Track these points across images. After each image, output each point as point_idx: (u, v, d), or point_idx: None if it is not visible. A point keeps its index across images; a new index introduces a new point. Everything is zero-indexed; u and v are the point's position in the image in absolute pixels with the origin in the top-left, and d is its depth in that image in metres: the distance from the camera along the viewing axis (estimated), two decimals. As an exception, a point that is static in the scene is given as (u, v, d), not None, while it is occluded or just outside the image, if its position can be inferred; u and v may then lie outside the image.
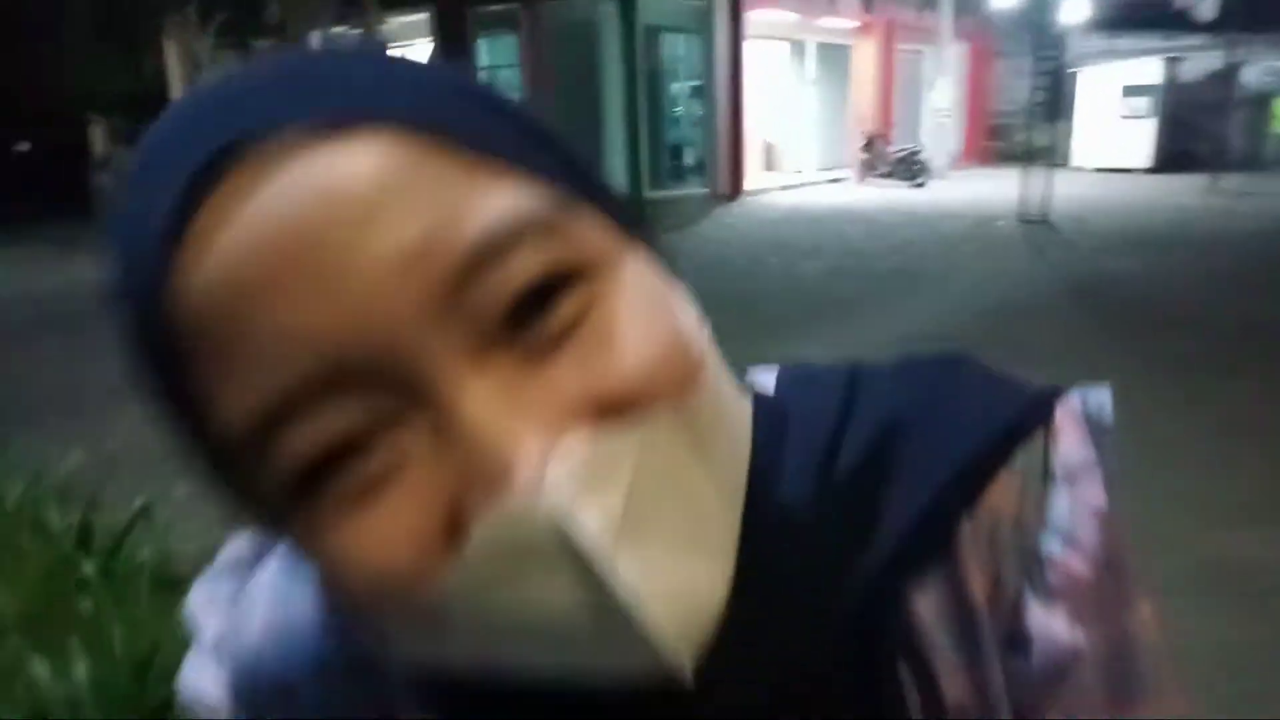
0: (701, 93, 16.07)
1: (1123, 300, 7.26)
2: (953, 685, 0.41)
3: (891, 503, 0.41)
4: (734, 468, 0.36)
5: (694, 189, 15.66)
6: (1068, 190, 12.91)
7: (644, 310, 0.33)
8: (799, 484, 0.41)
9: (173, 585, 2.77)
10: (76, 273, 10.01)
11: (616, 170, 14.32)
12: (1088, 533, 0.41)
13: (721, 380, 0.36)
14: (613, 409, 0.31)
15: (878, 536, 0.40)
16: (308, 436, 0.30)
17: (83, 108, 15.46)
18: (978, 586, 0.41)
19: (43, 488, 3.32)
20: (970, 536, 0.41)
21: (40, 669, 2.20)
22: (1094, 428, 0.42)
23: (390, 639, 0.34)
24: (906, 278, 8.40)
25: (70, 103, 15.45)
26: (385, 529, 0.31)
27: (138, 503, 3.04)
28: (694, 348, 0.34)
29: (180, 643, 1.96)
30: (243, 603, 0.47)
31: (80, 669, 2.19)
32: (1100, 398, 0.43)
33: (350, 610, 0.35)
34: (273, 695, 0.45)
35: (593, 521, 0.30)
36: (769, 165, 18.73)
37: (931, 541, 0.41)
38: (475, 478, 0.30)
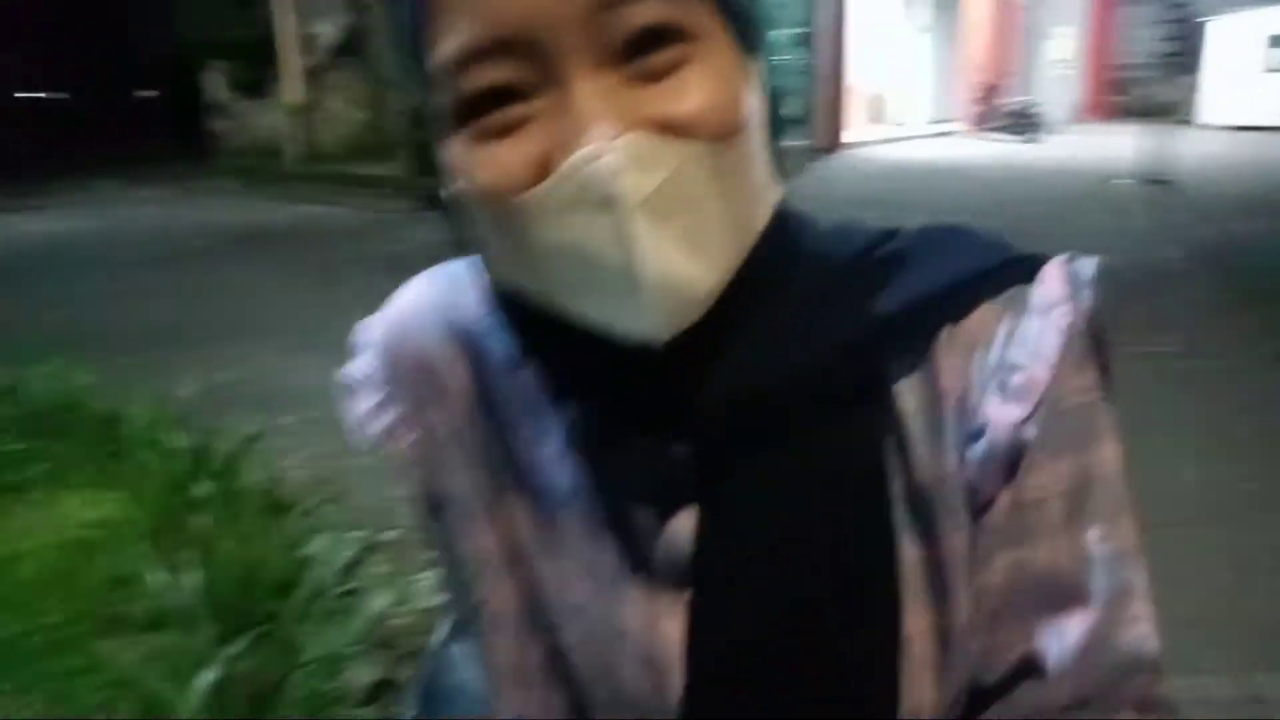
0: (804, 41, 15.65)
1: (1254, 268, 6.81)
2: (922, 469, 0.50)
3: (885, 298, 0.50)
4: (743, 214, 0.48)
5: (793, 141, 15.33)
6: (1195, 149, 12.15)
7: (716, 79, 0.46)
8: (810, 265, 0.52)
9: (278, 508, 2.92)
10: (192, 214, 10.49)
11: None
12: (1051, 345, 0.49)
13: (756, 153, 0.49)
14: (670, 131, 0.44)
15: (867, 319, 0.50)
16: (482, 76, 0.44)
17: (200, 56, 16.01)
18: (950, 391, 0.50)
19: (163, 413, 3.51)
20: (949, 348, 0.50)
21: (158, 577, 2.36)
22: (1076, 281, 0.50)
23: (489, 251, 0.50)
24: (1014, 239, 8.05)
25: (189, 51, 16.03)
26: (505, 156, 0.45)
27: (249, 430, 3.20)
28: (742, 118, 0.47)
29: (284, 560, 2.07)
30: (390, 303, 0.63)
31: (193, 578, 2.33)
32: (1087, 264, 0.51)
33: (472, 221, 0.49)
34: (414, 364, 0.60)
35: (630, 186, 0.43)
36: (873, 117, 18.17)
37: (914, 335, 0.50)
38: (568, 139, 0.43)
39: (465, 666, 0.74)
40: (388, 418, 0.61)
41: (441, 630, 1.18)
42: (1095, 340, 0.50)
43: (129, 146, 15.64)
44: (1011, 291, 0.50)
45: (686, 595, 0.51)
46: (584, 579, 0.55)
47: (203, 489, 2.88)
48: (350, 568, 2.59)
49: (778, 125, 0.52)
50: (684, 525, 0.51)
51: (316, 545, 2.60)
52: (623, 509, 0.53)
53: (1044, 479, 0.49)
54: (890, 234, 0.55)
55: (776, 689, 0.50)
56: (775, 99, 0.52)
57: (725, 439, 0.50)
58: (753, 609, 0.50)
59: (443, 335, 0.59)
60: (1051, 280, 0.50)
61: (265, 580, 2.41)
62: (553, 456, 0.55)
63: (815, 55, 15.63)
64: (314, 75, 14.96)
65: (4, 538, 2.82)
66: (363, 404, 0.62)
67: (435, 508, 0.61)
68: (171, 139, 16.92)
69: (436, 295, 0.61)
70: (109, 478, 3.17)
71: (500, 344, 0.57)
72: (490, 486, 0.58)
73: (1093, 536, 0.49)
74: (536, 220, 0.45)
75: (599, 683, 0.56)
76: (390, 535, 2.83)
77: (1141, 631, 0.49)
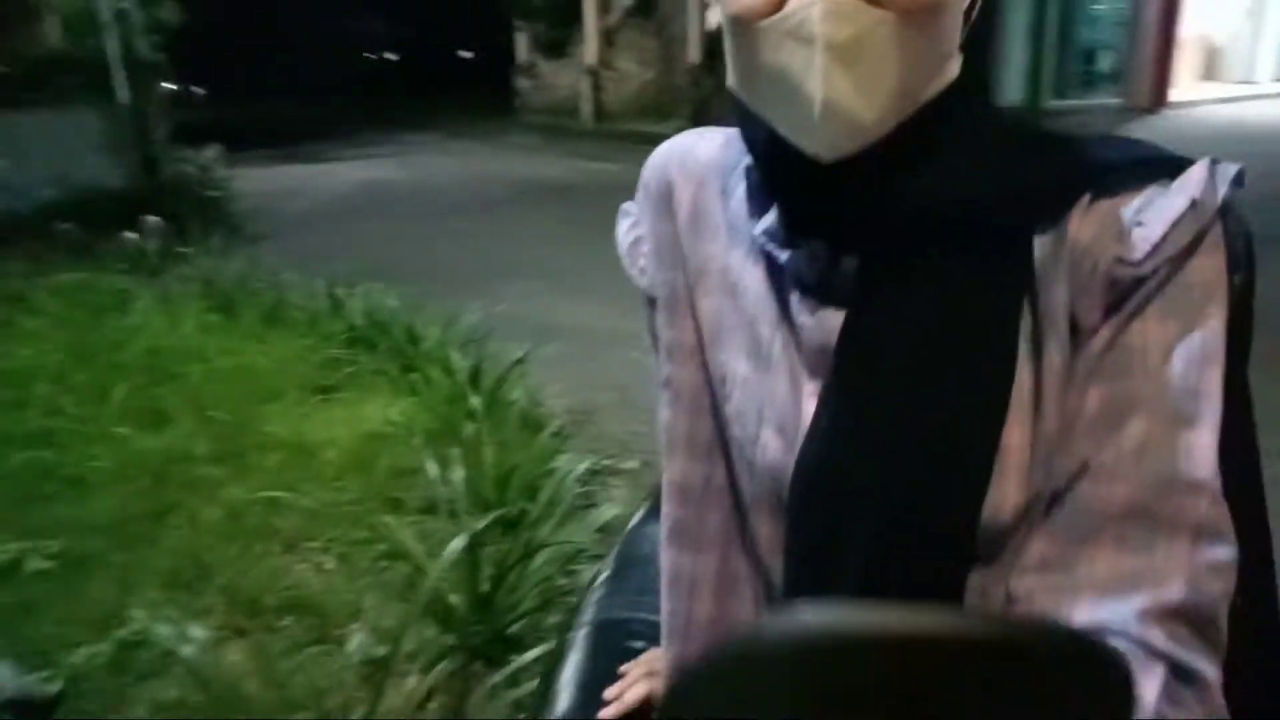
0: (1128, -12, 14.10)
1: None
2: (1044, 308, 0.58)
3: (1040, 163, 0.60)
4: (916, 77, 0.57)
5: (1106, 99, 13.95)
6: None
7: None
8: (981, 129, 0.61)
9: (534, 425, 3.25)
10: (492, 166, 11.46)
11: (1014, 74, 13.19)
12: (1174, 210, 0.56)
13: (942, 34, 0.57)
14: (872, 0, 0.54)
15: (1021, 175, 0.59)
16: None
17: (512, 18, 17.25)
18: (1077, 246, 0.58)
19: (449, 335, 3.99)
20: (1086, 216, 0.58)
21: (432, 470, 2.74)
22: (1216, 176, 0.57)
23: (731, 69, 0.62)
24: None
25: (503, 14, 17.32)
26: None
27: (516, 355, 3.56)
28: (930, 4, 0.55)
29: (534, 469, 2.36)
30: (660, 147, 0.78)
31: (459, 474, 2.69)
32: (1230, 167, 0.57)
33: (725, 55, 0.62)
34: (658, 190, 0.76)
35: (828, 31, 0.54)
36: (1208, 73, 16.08)
37: (1058, 197, 0.58)
38: None
39: (654, 543, 0.89)
40: (634, 234, 0.80)
41: (639, 514, 1.36)
42: (1231, 235, 0.57)
43: (447, 103, 17.23)
44: (1159, 182, 0.58)
45: (825, 381, 0.63)
46: (749, 360, 0.69)
47: (475, 402, 3.27)
48: (589, 484, 2.86)
49: (989, 26, 0.62)
50: (836, 323, 0.63)
51: (562, 461, 2.89)
52: (791, 304, 0.66)
53: (1149, 329, 0.56)
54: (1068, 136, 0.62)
55: (879, 473, 0.60)
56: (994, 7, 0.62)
57: (884, 253, 0.61)
58: (875, 402, 0.61)
59: (682, 167, 0.75)
60: (1193, 172, 0.57)
61: (516, 484, 2.72)
62: (743, 259, 0.70)
63: (1141, 2, 14.03)
64: (608, 36, 15.66)
65: (318, 428, 3.37)
66: (623, 227, 0.81)
67: (651, 303, 0.78)
68: (484, 97, 18.43)
69: (689, 140, 0.77)
70: (403, 386, 3.67)
71: (720, 176, 0.73)
72: (689, 286, 0.74)
73: (1178, 378, 0.56)
74: (762, 43, 0.57)
75: (746, 450, 0.69)
76: (629, 465, 3.08)
77: (1200, 458, 0.54)
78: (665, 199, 0.75)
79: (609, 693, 0.95)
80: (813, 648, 0.31)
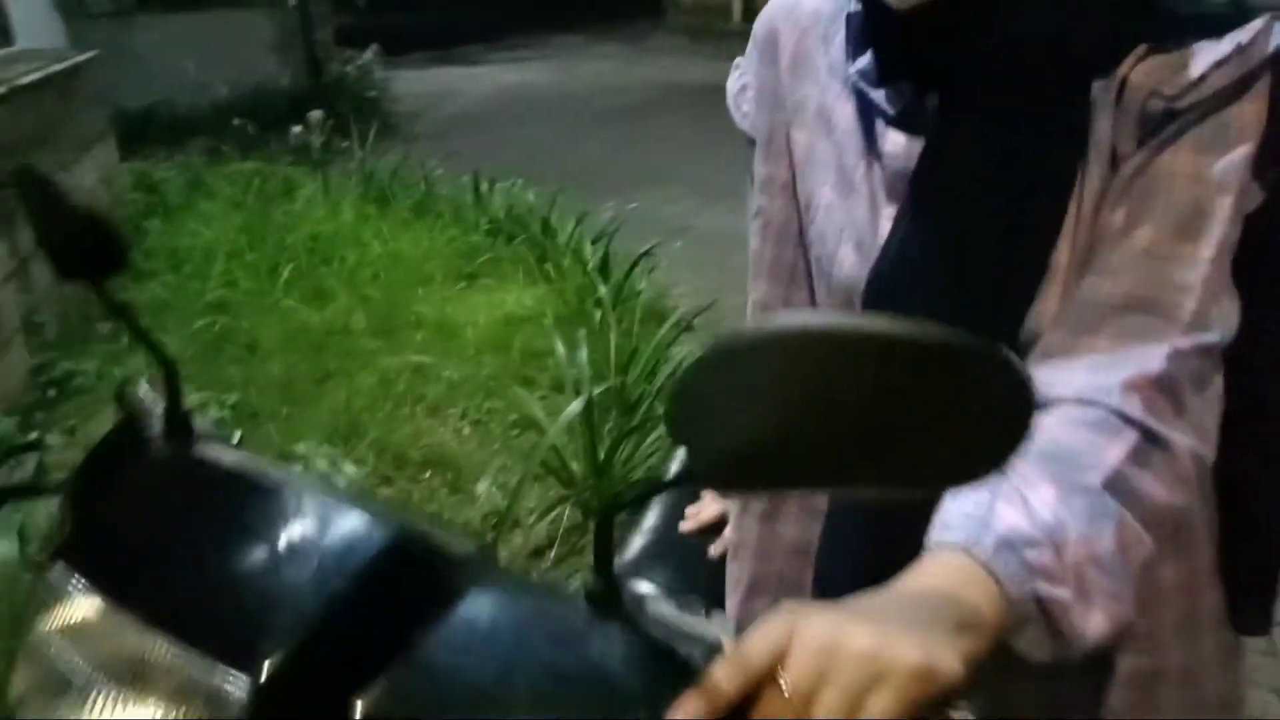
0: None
1: None
2: (1099, 149, 0.64)
3: (1103, 15, 0.64)
4: None
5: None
6: None
7: None
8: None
9: (658, 316, 3.40)
10: (637, 70, 11.41)
11: None
12: (1219, 52, 0.60)
13: None
14: None
15: (1086, 26, 0.64)
16: None
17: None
18: (1133, 90, 0.63)
19: (583, 230, 4.15)
20: (1145, 64, 0.62)
21: (560, 351, 2.93)
22: (1272, 33, 0.61)
23: None
24: None
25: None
26: None
27: (643, 249, 3.69)
28: None
29: (654, 356, 2.53)
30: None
31: (583, 355, 2.87)
32: None
33: None
34: (765, 39, 0.84)
35: None
36: None
37: (1117, 46, 0.63)
38: None
39: None
40: (741, 82, 0.88)
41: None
42: (1277, 87, 0.62)
43: (595, 4, 17.10)
44: (1217, 36, 0.61)
45: (901, 204, 0.73)
46: (834, 187, 0.78)
47: (603, 291, 3.44)
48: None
49: None
50: (916, 151, 0.70)
51: (681, 349, 3.02)
52: (876, 135, 0.74)
53: (1178, 160, 0.62)
54: None
55: (943, 285, 0.69)
56: None
57: (962, 92, 0.68)
58: (945, 221, 0.70)
59: (789, 17, 0.83)
60: (1252, 24, 0.61)
61: (637, 367, 2.88)
62: (837, 96, 0.78)
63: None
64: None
65: (460, 310, 3.62)
66: (733, 78, 0.89)
67: (751, 144, 0.88)
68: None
69: None
70: (538, 275, 3.87)
71: (822, 24, 0.80)
72: (787, 124, 0.82)
73: (1190, 199, 0.61)
74: None
75: (825, 266, 0.79)
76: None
77: (1196, 265, 0.61)
78: (771, 46, 0.83)
79: (688, 510, 1.10)
80: (788, 342, 0.43)
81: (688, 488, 0.47)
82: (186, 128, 6.69)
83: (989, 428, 0.42)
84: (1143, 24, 0.63)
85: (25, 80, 3.74)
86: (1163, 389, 0.59)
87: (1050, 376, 0.62)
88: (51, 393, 3.12)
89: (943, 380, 0.41)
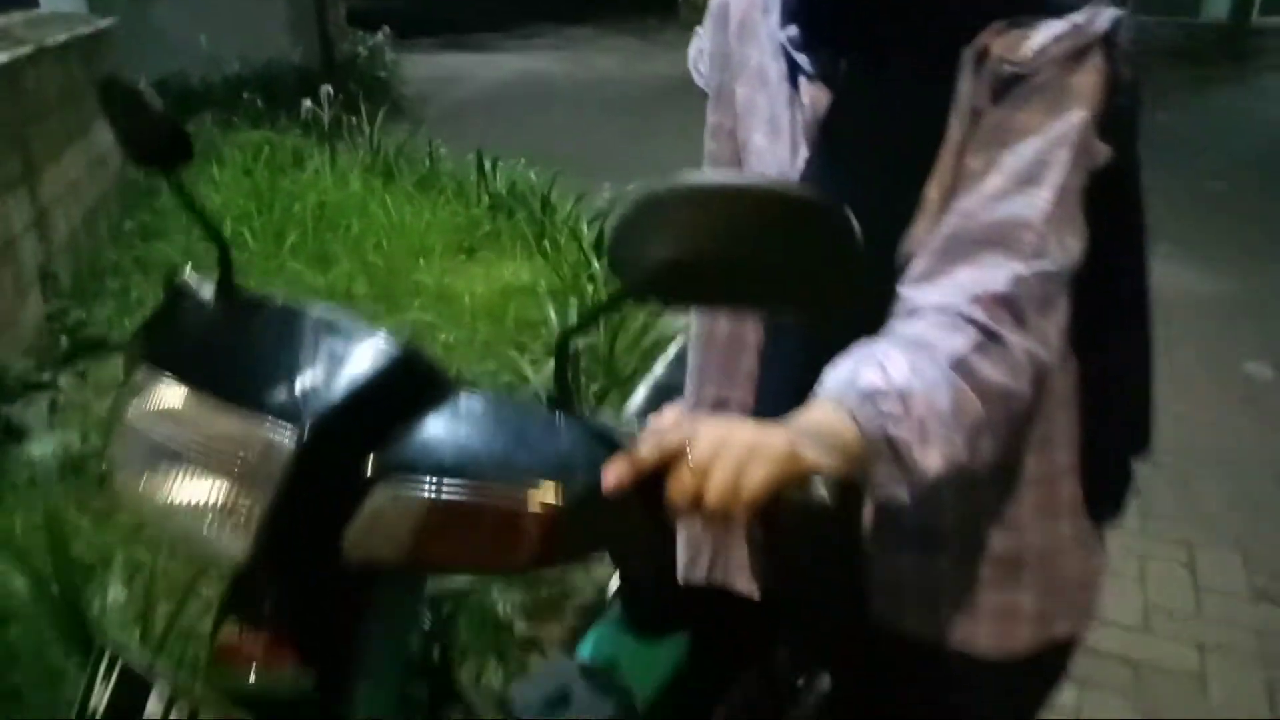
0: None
1: None
2: (962, 102, 0.79)
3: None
4: None
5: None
6: None
7: None
8: None
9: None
10: (643, 64, 11.56)
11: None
12: (1055, 30, 0.76)
13: None
14: None
15: (949, 13, 0.80)
16: None
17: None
18: (990, 57, 0.78)
19: (580, 208, 4.30)
20: (1001, 37, 0.77)
21: (553, 319, 3.08)
22: (1103, 15, 0.77)
23: None
24: None
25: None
26: None
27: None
28: None
29: (643, 325, 2.68)
30: None
31: (573, 319, 3.02)
32: (1115, 12, 0.77)
33: None
34: (719, 11, 0.99)
35: None
36: None
37: (978, 21, 0.78)
38: None
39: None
40: (698, 47, 1.06)
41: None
42: (1116, 65, 0.77)
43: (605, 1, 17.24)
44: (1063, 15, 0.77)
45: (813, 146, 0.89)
46: (765, 133, 0.94)
47: (597, 267, 3.58)
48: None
49: None
50: (827, 102, 0.87)
51: (666, 319, 3.17)
52: (800, 90, 0.89)
53: (1025, 117, 0.77)
54: None
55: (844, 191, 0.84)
56: None
57: (864, 56, 0.84)
58: (844, 160, 0.86)
59: None
60: (1086, 9, 0.77)
61: (628, 342, 3.03)
62: (772, 58, 0.93)
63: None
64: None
65: (459, 280, 3.77)
66: (693, 45, 1.08)
67: (706, 97, 1.05)
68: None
69: None
70: (535, 250, 4.02)
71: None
72: (731, 80, 0.98)
73: (1033, 151, 0.76)
74: None
75: None
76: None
77: (1037, 207, 0.75)
78: (723, 16, 1.00)
79: (650, 418, 1.24)
80: (695, 193, 0.59)
81: (624, 302, 0.64)
82: (199, 100, 6.82)
83: (832, 262, 0.59)
84: (1002, 3, 0.78)
85: (51, 41, 3.88)
86: (1004, 304, 0.73)
87: (918, 294, 0.76)
88: (64, 339, 3.26)
89: (801, 223, 0.58)
